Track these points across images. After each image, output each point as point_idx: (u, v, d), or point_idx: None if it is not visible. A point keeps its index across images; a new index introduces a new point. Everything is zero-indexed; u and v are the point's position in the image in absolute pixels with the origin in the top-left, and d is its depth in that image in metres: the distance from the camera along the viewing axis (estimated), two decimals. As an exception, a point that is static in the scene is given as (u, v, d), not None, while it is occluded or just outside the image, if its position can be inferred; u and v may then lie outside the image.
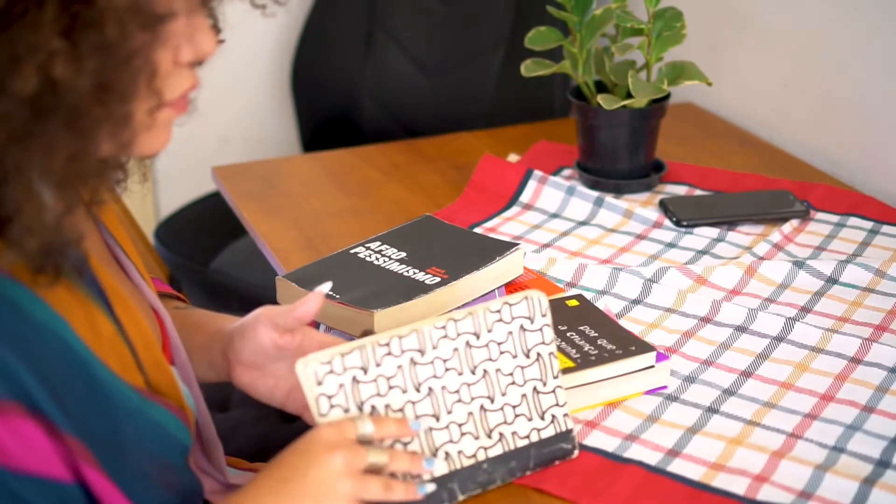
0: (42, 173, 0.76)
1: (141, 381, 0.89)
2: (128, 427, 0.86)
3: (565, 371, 1.10)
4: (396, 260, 1.30)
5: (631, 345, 1.15)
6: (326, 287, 1.02)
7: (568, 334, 1.17)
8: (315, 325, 1.29)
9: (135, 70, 0.78)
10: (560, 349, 1.14)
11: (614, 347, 1.14)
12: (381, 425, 0.93)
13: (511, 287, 1.31)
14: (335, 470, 0.90)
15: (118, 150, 0.81)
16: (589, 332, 1.17)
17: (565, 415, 1.03)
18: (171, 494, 0.92)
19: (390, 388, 0.95)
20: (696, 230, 1.51)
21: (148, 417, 0.88)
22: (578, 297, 1.25)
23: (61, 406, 0.81)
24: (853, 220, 1.53)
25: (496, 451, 1.00)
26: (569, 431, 1.04)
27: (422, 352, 0.96)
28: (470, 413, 0.99)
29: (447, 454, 0.97)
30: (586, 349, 1.14)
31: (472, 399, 0.99)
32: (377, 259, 1.30)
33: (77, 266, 0.84)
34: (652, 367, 1.14)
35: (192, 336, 1.10)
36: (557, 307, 1.22)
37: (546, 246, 1.49)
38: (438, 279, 1.25)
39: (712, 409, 1.13)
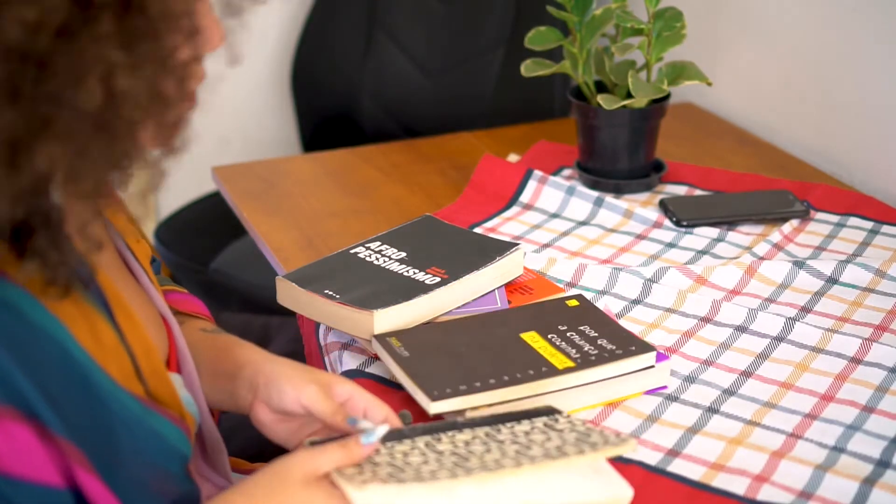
0: (86, 184, 0.76)
1: (141, 390, 0.89)
2: (125, 435, 0.86)
3: (565, 371, 1.10)
4: (396, 260, 1.30)
5: (631, 345, 1.14)
6: (382, 431, 0.96)
7: (568, 334, 1.17)
8: (315, 324, 1.29)
9: (181, 76, 0.79)
10: (560, 349, 1.14)
11: (614, 347, 1.14)
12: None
13: (511, 287, 1.31)
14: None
15: (161, 154, 0.81)
16: (589, 332, 1.17)
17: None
18: (166, 502, 0.91)
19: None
20: (696, 230, 1.51)
21: (146, 426, 0.88)
22: (578, 297, 1.24)
23: (57, 410, 0.80)
24: (853, 220, 1.53)
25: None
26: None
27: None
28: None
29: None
30: (586, 349, 1.14)
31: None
32: (377, 259, 1.30)
33: (84, 275, 0.84)
34: (652, 367, 1.14)
35: (219, 361, 1.07)
36: (557, 307, 1.23)
37: (546, 246, 1.49)
38: (438, 279, 1.25)
39: (712, 409, 1.13)
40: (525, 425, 1.02)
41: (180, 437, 0.92)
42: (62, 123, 0.73)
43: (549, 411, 1.06)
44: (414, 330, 1.19)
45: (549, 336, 1.16)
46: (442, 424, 1.01)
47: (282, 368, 1.03)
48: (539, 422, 1.03)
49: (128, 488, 0.86)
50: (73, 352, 0.82)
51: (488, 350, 1.14)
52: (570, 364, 1.11)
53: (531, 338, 1.16)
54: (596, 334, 1.17)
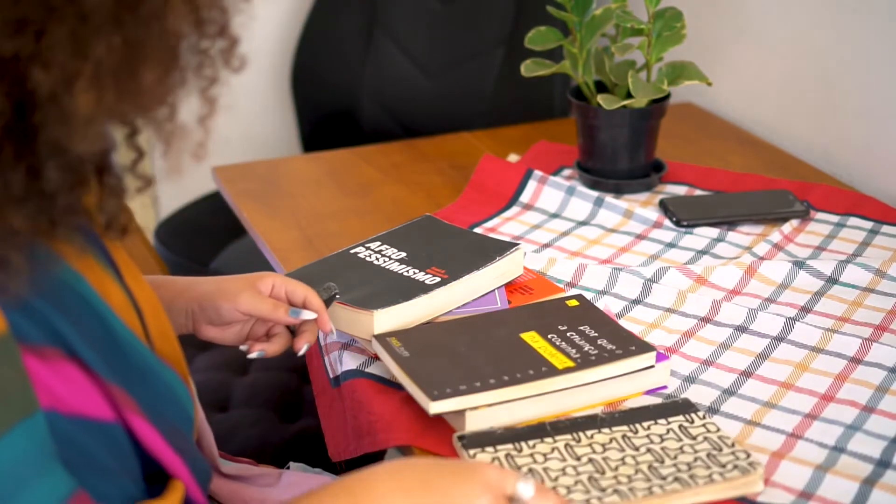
0: (164, 110, 0.80)
1: (149, 348, 0.90)
2: (142, 386, 0.87)
3: (565, 371, 1.10)
4: (396, 260, 1.30)
5: (631, 345, 1.14)
6: (309, 315, 1.15)
7: (568, 334, 1.17)
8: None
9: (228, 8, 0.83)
10: (560, 349, 1.14)
11: (614, 347, 1.14)
12: (541, 496, 0.91)
13: (511, 287, 1.30)
14: None
15: (211, 80, 0.84)
16: (589, 332, 1.17)
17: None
18: (181, 460, 0.92)
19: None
20: (696, 230, 1.51)
21: (161, 378, 0.89)
22: (578, 297, 1.24)
23: (96, 354, 0.82)
24: (853, 220, 1.53)
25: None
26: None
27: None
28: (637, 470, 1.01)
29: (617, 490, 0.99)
30: (586, 349, 1.14)
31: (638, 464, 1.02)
32: (377, 259, 1.30)
33: (90, 237, 0.87)
34: (652, 367, 1.14)
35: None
36: (557, 307, 1.22)
37: (546, 246, 1.49)
38: (438, 279, 1.25)
39: (712, 409, 1.13)
40: (661, 426, 1.07)
41: (187, 397, 0.93)
42: (152, 46, 0.76)
43: (686, 407, 1.10)
44: (414, 330, 1.19)
45: (549, 336, 1.16)
46: (584, 421, 1.07)
47: (208, 287, 1.17)
48: (675, 423, 1.08)
49: (161, 431, 0.88)
50: (94, 303, 0.84)
51: (488, 350, 1.14)
52: (570, 364, 1.11)
53: (531, 338, 1.16)
54: (596, 334, 1.17)
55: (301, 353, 1.16)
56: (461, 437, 1.06)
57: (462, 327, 1.19)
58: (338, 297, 1.20)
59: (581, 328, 1.18)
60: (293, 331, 1.19)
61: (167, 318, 0.94)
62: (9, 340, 0.76)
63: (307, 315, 1.15)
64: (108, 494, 0.81)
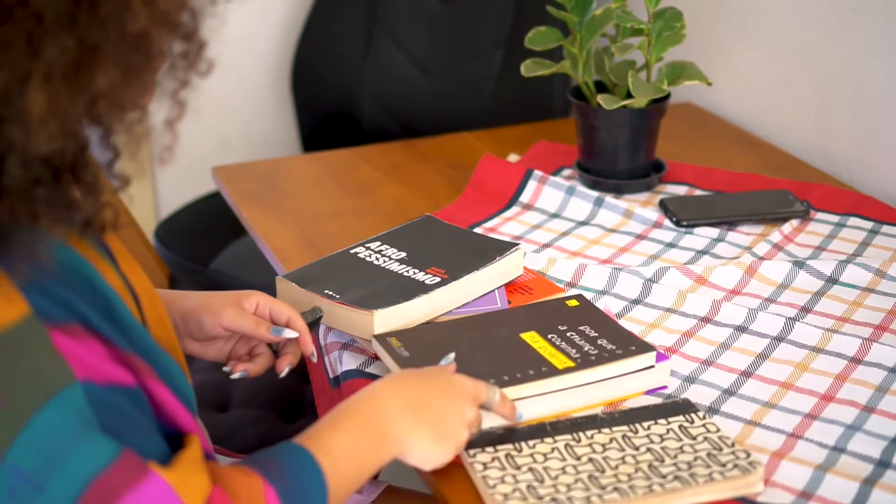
0: (126, 109, 0.80)
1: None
2: (151, 362, 0.88)
3: (565, 371, 1.10)
4: (396, 260, 1.30)
5: (631, 345, 1.14)
6: (291, 334, 1.15)
7: (568, 334, 1.17)
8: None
9: (197, 10, 0.83)
10: (560, 349, 1.14)
11: (614, 347, 1.14)
12: (503, 403, 1.05)
13: (511, 287, 1.30)
14: (465, 419, 1.01)
15: (182, 82, 0.85)
16: (589, 332, 1.17)
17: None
18: (194, 420, 0.94)
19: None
20: (696, 230, 1.51)
21: (164, 363, 0.90)
22: (578, 297, 1.24)
23: (112, 329, 0.84)
24: (853, 220, 1.53)
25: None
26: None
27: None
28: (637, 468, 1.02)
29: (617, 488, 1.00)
30: (586, 349, 1.14)
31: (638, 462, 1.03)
32: (377, 259, 1.30)
33: (108, 220, 0.88)
34: (652, 367, 1.14)
35: None
36: (557, 307, 1.22)
37: (546, 246, 1.49)
38: (438, 279, 1.25)
39: (712, 409, 1.13)
40: (661, 426, 1.07)
41: (187, 383, 0.94)
42: (109, 47, 0.76)
43: (686, 408, 1.10)
44: (414, 330, 1.19)
45: (549, 336, 1.16)
46: (584, 421, 1.08)
47: (192, 302, 1.17)
48: (675, 423, 1.08)
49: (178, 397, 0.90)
50: (98, 284, 0.85)
51: (488, 350, 1.14)
52: (570, 364, 1.11)
53: (531, 338, 1.16)
54: (596, 334, 1.17)
55: (282, 374, 1.16)
56: None
57: (462, 327, 1.19)
58: (322, 320, 1.21)
59: (581, 328, 1.18)
60: (276, 351, 1.19)
61: (163, 306, 0.95)
62: (32, 321, 0.79)
63: (289, 333, 1.15)
64: (150, 451, 0.84)
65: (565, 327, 1.18)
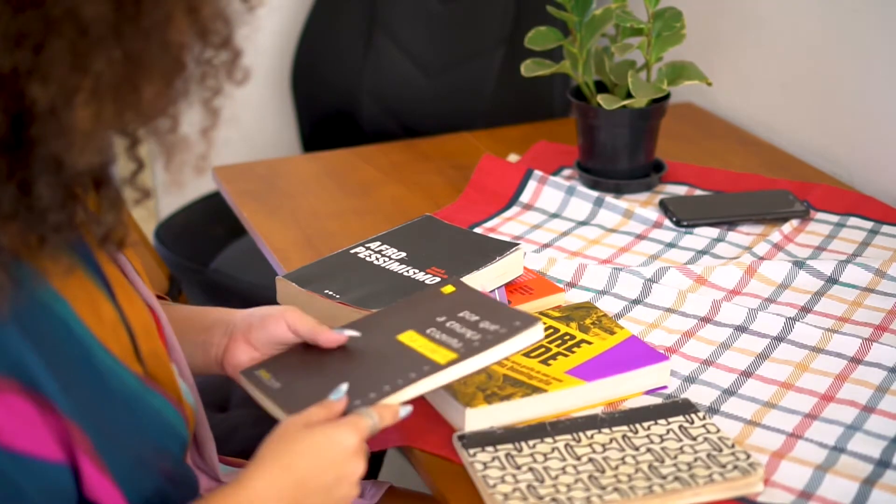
0: (166, 122, 0.79)
1: (140, 370, 0.89)
2: (125, 413, 0.87)
3: (449, 364, 1.01)
4: (396, 260, 1.30)
5: (515, 320, 1.05)
6: (353, 333, 1.08)
7: (448, 325, 1.07)
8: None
9: (230, 20, 0.82)
10: (440, 342, 1.05)
11: (498, 327, 1.05)
12: (384, 418, 0.97)
13: (511, 287, 1.30)
14: (355, 478, 0.95)
15: (215, 91, 0.84)
16: (469, 318, 1.08)
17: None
18: (167, 483, 0.92)
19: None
20: (696, 230, 1.51)
21: (147, 404, 0.88)
22: (454, 282, 1.15)
23: (62, 386, 0.81)
24: (853, 220, 1.53)
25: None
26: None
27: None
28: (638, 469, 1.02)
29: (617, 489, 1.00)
30: (468, 336, 1.05)
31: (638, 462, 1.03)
32: (377, 259, 1.30)
33: (82, 253, 0.86)
34: (541, 338, 1.06)
35: (188, 320, 1.11)
36: (433, 297, 1.13)
37: (546, 246, 1.49)
38: (438, 279, 1.25)
39: (712, 409, 1.13)
40: (661, 427, 1.07)
41: (179, 419, 0.93)
42: (152, 58, 0.75)
43: (686, 408, 1.09)
44: (281, 356, 1.09)
45: (428, 331, 1.07)
46: (584, 421, 1.07)
47: (254, 309, 1.11)
48: (675, 423, 1.07)
49: (127, 467, 0.87)
50: (74, 327, 0.83)
51: (364, 362, 1.05)
52: (453, 356, 1.02)
53: (409, 338, 1.07)
54: (477, 318, 1.07)
55: None
56: (461, 437, 1.06)
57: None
58: (322, 319, 1.15)
59: (461, 315, 1.08)
60: None
61: (159, 340, 0.93)
62: None
63: (350, 332, 1.08)
64: None
65: (444, 318, 1.08)
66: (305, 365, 1.06)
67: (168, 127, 0.80)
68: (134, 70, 0.75)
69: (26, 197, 0.76)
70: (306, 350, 1.08)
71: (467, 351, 1.03)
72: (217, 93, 0.83)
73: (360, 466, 0.95)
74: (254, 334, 1.10)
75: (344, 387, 0.99)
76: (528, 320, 1.05)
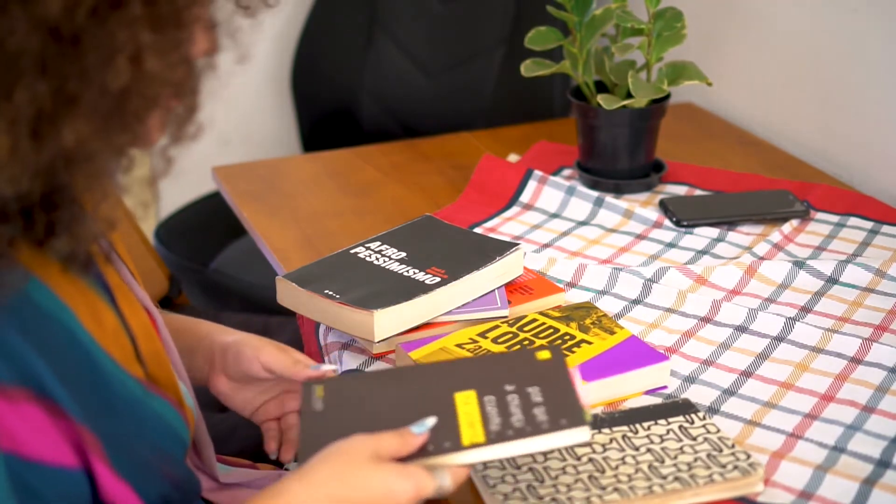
0: (100, 162, 0.77)
1: (141, 373, 0.90)
2: (129, 417, 0.87)
3: (470, 447, 0.92)
4: (396, 260, 1.30)
5: (565, 417, 0.94)
6: (330, 367, 1.07)
7: (508, 397, 0.97)
8: (315, 324, 1.29)
9: (195, 66, 0.80)
10: (485, 416, 0.95)
11: (546, 419, 0.94)
12: (456, 477, 0.91)
13: (511, 287, 1.30)
14: None
15: (169, 142, 0.82)
16: (534, 397, 0.97)
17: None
18: (170, 487, 0.92)
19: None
20: (696, 230, 1.51)
21: (149, 408, 0.89)
22: (553, 349, 1.03)
23: (71, 393, 0.81)
24: (853, 220, 1.53)
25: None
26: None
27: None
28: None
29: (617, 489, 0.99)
30: (513, 420, 0.95)
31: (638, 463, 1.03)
32: (377, 259, 1.30)
33: (85, 258, 0.85)
34: (584, 441, 0.95)
35: (177, 339, 1.10)
36: (525, 359, 1.04)
37: (546, 246, 1.49)
38: (438, 279, 1.25)
39: (712, 409, 1.13)
40: (661, 427, 1.06)
41: (180, 422, 0.93)
42: (88, 101, 0.74)
43: (686, 408, 1.09)
44: (344, 378, 1.06)
45: (486, 398, 0.98)
46: None
47: (236, 337, 1.11)
48: (675, 423, 1.07)
49: (134, 471, 0.87)
50: (78, 334, 0.83)
51: (406, 411, 0.97)
52: (480, 440, 0.93)
53: (464, 399, 0.98)
54: (540, 399, 0.97)
55: (273, 456, 1.13)
56: None
57: (399, 380, 1.03)
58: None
59: (528, 390, 0.98)
60: None
61: (159, 342, 0.93)
62: None
63: (327, 367, 1.07)
64: None
65: (512, 388, 0.99)
66: (358, 397, 1.01)
67: (126, 164, 0.78)
68: (61, 109, 0.73)
69: None
70: (372, 378, 1.04)
71: (496, 437, 0.94)
72: (176, 141, 0.81)
73: None
74: (229, 368, 1.11)
75: (430, 421, 0.93)
76: (576, 420, 0.94)
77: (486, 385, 1.00)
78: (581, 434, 0.93)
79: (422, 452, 0.93)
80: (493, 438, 0.93)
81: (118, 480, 0.85)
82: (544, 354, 1.03)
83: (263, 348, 1.09)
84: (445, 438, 0.94)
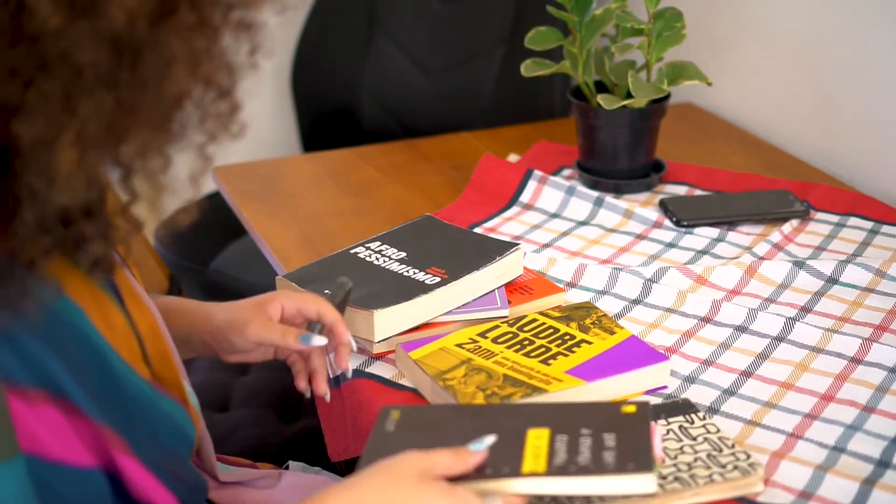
0: (153, 165, 0.79)
1: (148, 373, 0.90)
2: (141, 417, 0.88)
3: (527, 475, 0.91)
4: (396, 260, 1.30)
5: (632, 461, 0.93)
6: (321, 340, 1.10)
7: (582, 439, 0.96)
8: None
9: (235, 69, 0.82)
10: (552, 450, 0.94)
11: (613, 461, 0.93)
12: (459, 459, 0.91)
13: (511, 287, 1.30)
14: None
15: (207, 141, 0.84)
16: (607, 442, 0.95)
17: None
18: (181, 486, 0.92)
19: None
20: (696, 230, 1.51)
21: (159, 408, 0.89)
22: (641, 405, 1.00)
23: (87, 392, 0.82)
24: (853, 220, 1.53)
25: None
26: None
27: None
28: None
29: None
30: (580, 457, 0.94)
31: None
32: (377, 259, 1.30)
33: (110, 263, 0.87)
34: (648, 492, 0.93)
35: (170, 322, 1.12)
36: (609, 411, 1.01)
37: (546, 246, 1.49)
38: (438, 279, 1.25)
39: (712, 409, 1.13)
40: (661, 427, 1.06)
41: (187, 421, 0.93)
42: (146, 109, 0.75)
43: (686, 408, 1.09)
44: (426, 408, 1.06)
45: (559, 436, 0.97)
46: None
47: (219, 320, 1.14)
48: (675, 423, 1.07)
49: (154, 468, 0.88)
50: (90, 336, 0.84)
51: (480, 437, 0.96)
52: (540, 470, 0.92)
53: (537, 434, 0.97)
54: (613, 444, 0.95)
55: (307, 395, 1.16)
56: None
57: (477, 414, 1.03)
58: (351, 291, 1.16)
59: (604, 435, 0.96)
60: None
61: (165, 341, 0.94)
62: None
63: (317, 341, 1.09)
64: None
65: (589, 431, 0.97)
66: (433, 421, 1.01)
67: (159, 166, 0.79)
68: (123, 119, 0.74)
69: (11, 223, 0.75)
70: (445, 409, 1.06)
71: (558, 471, 0.92)
72: (213, 139, 0.83)
73: None
74: (226, 351, 1.15)
75: (489, 439, 0.92)
76: (643, 466, 0.92)
77: (563, 426, 0.98)
78: (646, 482, 0.91)
79: (478, 474, 0.91)
80: (553, 471, 0.92)
81: (148, 474, 0.86)
82: (630, 408, 1.01)
83: (248, 329, 1.12)
84: (505, 463, 0.93)
